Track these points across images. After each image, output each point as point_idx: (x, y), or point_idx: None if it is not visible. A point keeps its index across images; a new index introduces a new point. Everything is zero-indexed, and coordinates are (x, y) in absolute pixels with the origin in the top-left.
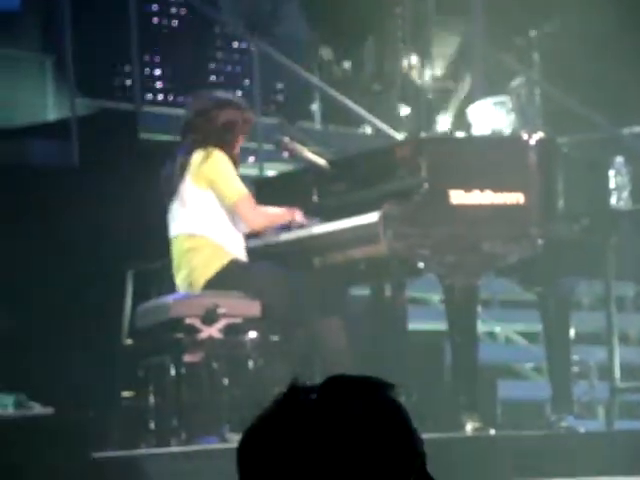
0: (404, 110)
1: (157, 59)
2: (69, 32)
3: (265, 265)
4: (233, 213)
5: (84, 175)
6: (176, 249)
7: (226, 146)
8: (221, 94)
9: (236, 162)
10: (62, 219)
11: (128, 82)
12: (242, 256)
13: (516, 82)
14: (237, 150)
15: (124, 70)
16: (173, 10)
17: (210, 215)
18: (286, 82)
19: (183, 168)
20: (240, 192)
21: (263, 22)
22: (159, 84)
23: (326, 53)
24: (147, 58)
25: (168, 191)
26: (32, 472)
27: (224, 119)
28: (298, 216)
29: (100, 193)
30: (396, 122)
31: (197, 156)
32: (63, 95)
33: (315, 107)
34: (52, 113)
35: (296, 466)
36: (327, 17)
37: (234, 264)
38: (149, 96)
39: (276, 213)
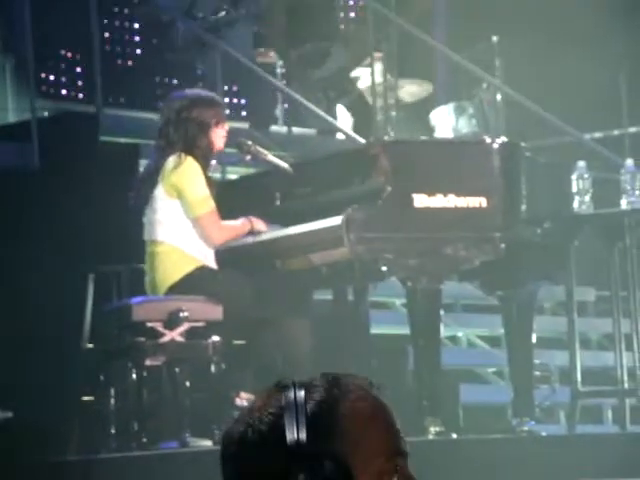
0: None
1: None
2: (29, 33)
3: (229, 271)
4: (195, 226)
5: (44, 177)
6: (147, 253)
7: (199, 150)
8: (195, 92)
9: (207, 166)
10: (21, 221)
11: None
12: (211, 264)
13: (478, 87)
14: (214, 149)
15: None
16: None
17: (178, 223)
18: (244, 86)
19: (156, 173)
20: (205, 207)
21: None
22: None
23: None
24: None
25: (139, 196)
26: None
27: (197, 119)
28: (257, 224)
29: (60, 195)
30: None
31: (169, 162)
32: (23, 97)
33: (278, 111)
34: (12, 115)
35: (284, 459)
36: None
37: (199, 270)
38: (110, 99)
39: (236, 226)
